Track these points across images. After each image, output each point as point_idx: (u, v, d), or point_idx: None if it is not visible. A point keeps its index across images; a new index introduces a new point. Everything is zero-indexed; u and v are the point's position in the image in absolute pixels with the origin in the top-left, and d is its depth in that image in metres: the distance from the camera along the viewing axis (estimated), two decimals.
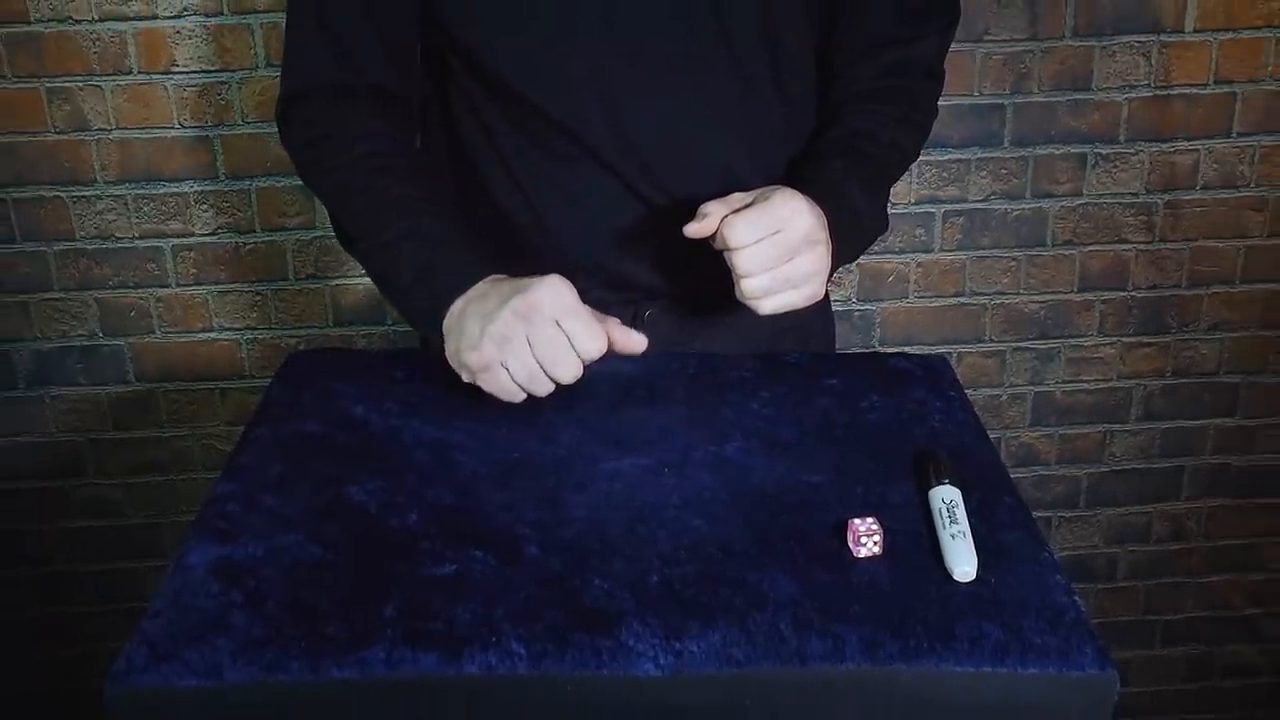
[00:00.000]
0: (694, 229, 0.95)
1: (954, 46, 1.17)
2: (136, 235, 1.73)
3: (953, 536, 0.80)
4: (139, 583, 1.93)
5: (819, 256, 0.95)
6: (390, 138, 1.04)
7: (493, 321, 0.89)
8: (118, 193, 1.70)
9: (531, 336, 0.88)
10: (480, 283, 0.93)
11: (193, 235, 1.74)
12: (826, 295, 1.05)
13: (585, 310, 0.90)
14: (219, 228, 1.74)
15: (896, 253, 1.81)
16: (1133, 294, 1.86)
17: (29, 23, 1.61)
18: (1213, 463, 1.97)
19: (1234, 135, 1.77)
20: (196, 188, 1.71)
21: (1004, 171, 1.77)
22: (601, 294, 1.05)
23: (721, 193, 0.96)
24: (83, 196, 1.70)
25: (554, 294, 0.89)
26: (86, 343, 1.79)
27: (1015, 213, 1.80)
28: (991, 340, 1.88)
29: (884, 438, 0.97)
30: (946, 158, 1.76)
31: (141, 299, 1.77)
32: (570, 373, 0.90)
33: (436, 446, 0.95)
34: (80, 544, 1.91)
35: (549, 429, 0.97)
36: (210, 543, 0.83)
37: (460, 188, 1.14)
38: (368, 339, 1.82)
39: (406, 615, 0.75)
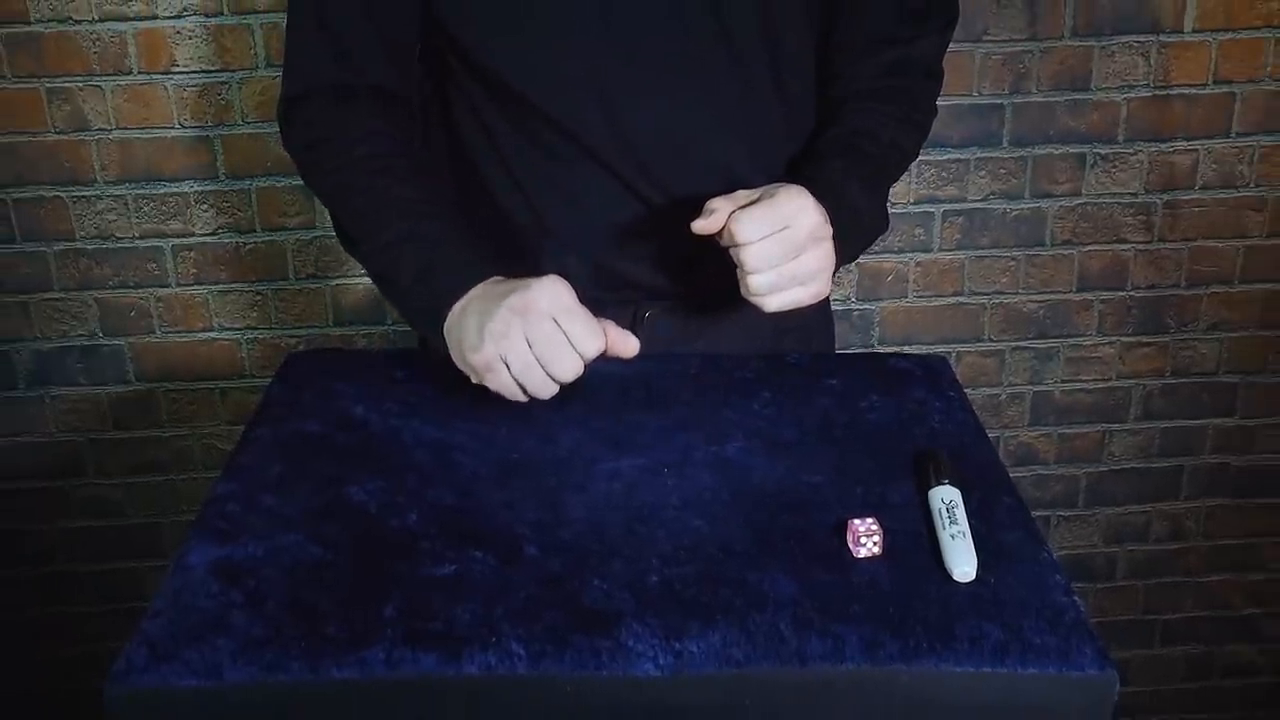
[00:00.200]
0: (701, 225, 0.95)
1: (953, 46, 1.18)
2: (136, 235, 1.73)
3: (952, 537, 0.81)
4: (139, 583, 1.93)
5: (825, 253, 0.95)
6: (391, 138, 1.04)
7: (490, 319, 0.89)
8: (118, 193, 1.70)
9: (529, 333, 0.88)
10: (480, 285, 0.93)
11: (193, 235, 1.74)
12: (826, 295, 1.05)
13: (583, 309, 0.90)
14: (219, 228, 1.74)
15: (895, 252, 1.81)
16: (1132, 294, 1.86)
17: (29, 23, 1.61)
18: (1212, 462, 1.98)
19: (1233, 135, 1.77)
20: (196, 188, 1.71)
21: (1003, 171, 1.77)
22: (601, 294, 1.05)
23: (721, 192, 0.96)
24: (83, 196, 1.70)
25: (551, 293, 0.89)
26: (86, 343, 1.79)
27: (1014, 212, 1.80)
28: (990, 340, 1.88)
29: (884, 438, 0.97)
30: (945, 157, 1.76)
31: (141, 299, 1.77)
32: (569, 370, 0.90)
33: (436, 446, 0.95)
34: (80, 544, 1.91)
35: (549, 429, 0.97)
36: (210, 543, 0.83)
37: (460, 188, 1.14)
38: (368, 339, 1.82)
39: (406, 615, 0.75)
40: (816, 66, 1.13)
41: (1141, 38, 1.71)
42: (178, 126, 1.68)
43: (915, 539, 0.83)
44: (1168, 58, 1.72)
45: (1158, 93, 1.74)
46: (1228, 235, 1.83)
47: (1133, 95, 1.74)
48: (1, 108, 1.65)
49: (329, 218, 1.10)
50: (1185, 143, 1.77)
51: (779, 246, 0.92)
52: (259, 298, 1.78)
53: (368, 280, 1.01)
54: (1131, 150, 1.77)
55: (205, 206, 1.72)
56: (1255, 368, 1.91)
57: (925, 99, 1.16)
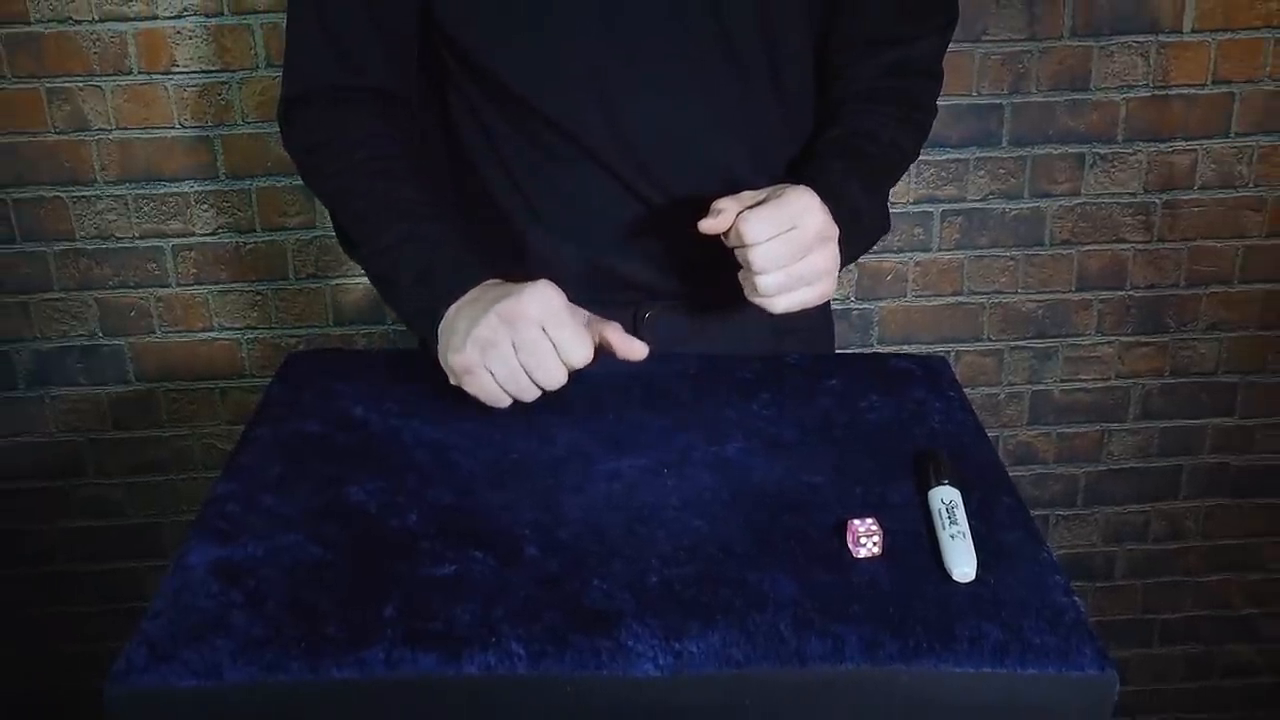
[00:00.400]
0: (708, 225, 0.94)
1: (952, 46, 1.17)
2: (136, 235, 1.73)
3: (952, 537, 0.81)
4: (139, 583, 1.93)
5: (831, 254, 0.95)
6: (391, 139, 1.04)
7: (477, 325, 0.89)
8: (118, 193, 1.70)
9: (516, 341, 0.88)
10: (475, 288, 0.93)
11: (193, 235, 1.74)
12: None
13: (572, 317, 0.90)
14: (219, 228, 1.74)
15: (895, 252, 1.82)
16: (1131, 293, 1.86)
17: (29, 23, 1.61)
18: (1211, 462, 1.98)
19: (1232, 135, 1.77)
20: (197, 188, 1.71)
21: (1002, 171, 1.78)
22: (600, 294, 1.05)
23: (721, 193, 0.96)
24: (83, 196, 1.70)
25: (542, 300, 0.89)
26: (86, 343, 1.79)
27: (1013, 212, 1.80)
28: (990, 339, 1.88)
29: (884, 438, 0.97)
30: (945, 157, 1.76)
31: (141, 299, 1.77)
32: (554, 379, 0.90)
33: (436, 447, 0.95)
34: (80, 544, 1.91)
35: (549, 430, 0.97)
36: (210, 543, 0.83)
37: (459, 188, 1.14)
38: (368, 339, 1.82)
39: (406, 615, 0.75)
40: (816, 67, 1.13)
41: (1141, 38, 1.71)
42: (178, 126, 1.68)
43: (915, 539, 0.83)
44: (1167, 58, 1.72)
45: (1157, 93, 1.74)
46: (1227, 235, 1.83)
47: (1132, 95, 1.74)
48: (1, 108, 1.65)
49: (329, 218, 1.10)
50: (1184, 143, 1.77)
51: (786, 247, 0.92)
52: (259, 298, 1.78)
53: (367, 280, 1.01)
54: (1131, 150, 1.77)
55: (205, 206, 1.72)
56: (1254, 368, 1.92)
57: (925, 99, 1.16)
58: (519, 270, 0.94)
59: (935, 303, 1.85)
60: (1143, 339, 1.89)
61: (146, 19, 1.62)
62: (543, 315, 0.88)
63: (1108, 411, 1.93)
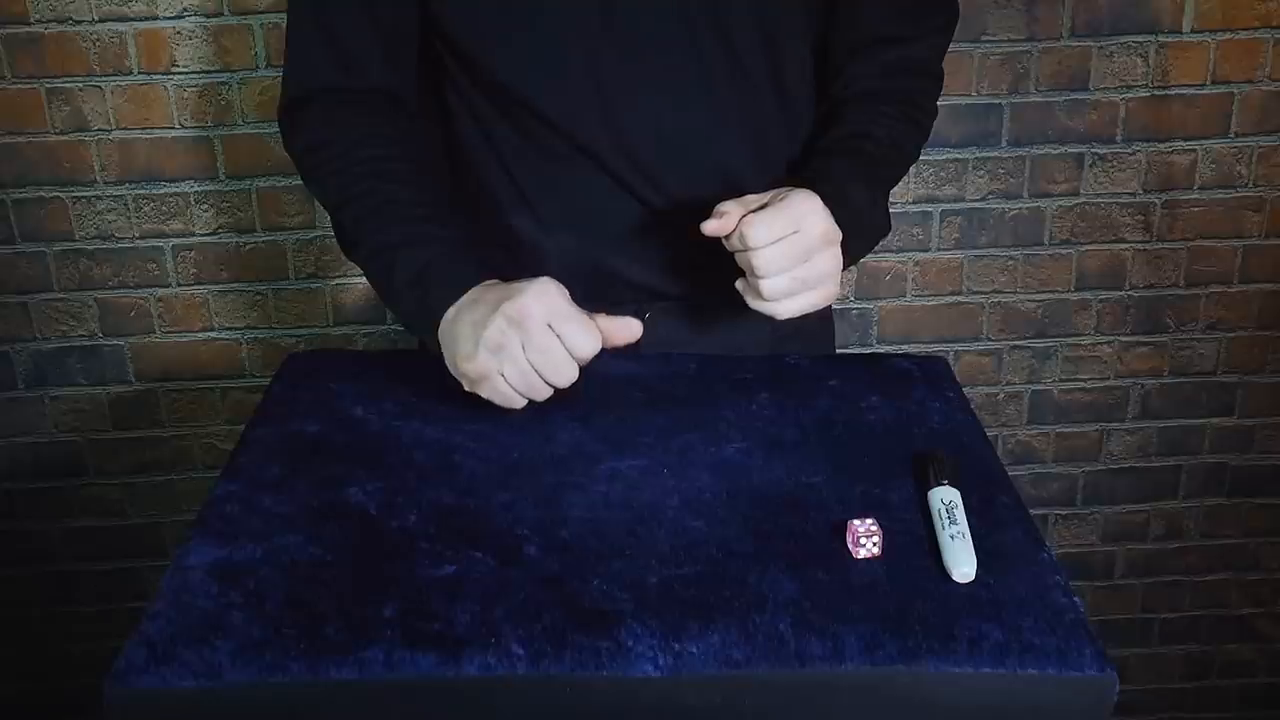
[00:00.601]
0: (711, 227, 0.94)
1: (952, 46, 1.17)
2: (136, 235, 1.73)
3: (952, 537, 0.81)
4: (139, 583, 1.93)
5: (834, 257, 0.95)
6: (391, 141, 1.04)
7: (485, 329, 0.89)
8: (118, 193, 1.70)
9: (526, 343, 0.88)
10: (473, 289, 0.93)
11: (193, 235, 1.74)
12: None
13: (576, 311, 0.90)
14: (219, 228, 1.74)
15: (894, 252, 1.81)
16: (1130, 293, 1.86)
17: (29, 23, 1.61)
18: (1210, 462, 1.98)
19: (1231, 135, 1.77)
20: (197, 188, 1.71)
21: (1001, 171, 1.78)
22: (600, 294, 1.05)
23: (720, 193, 0.96)
24: (83, 196, 1.70)
25: (545, 297, 0.89)
26: (86, 343, 1.79)
27: (1013, 212, 1.80)
28: (989, 339, 1.88)
29: (883, 438, 0.97)
30: (944, 157, 1.76)
31: (141, 299, 1.77)
32: (566, 377, 0.90)
33: (436, 447, 0.95)
34: (80, 544, 1.91)
35: (548, 429, 0.97)
36: (210, 543, 0.83)
37: (459, 188, 1.14)
38: (368, 339, 1.82)
39: (405, 616, 0.75)
40: (816, 67, 1.13)
41: (1140, 38, 1.71)
42: (178, 127, 1.68)
43: (915, 539, 0.83)
44: (1166, 58, 1.72)
45: (1156, 93, 1.74)
46: (1226, 235, 1.83)
47: (1131, 95, 1.74)
48: (1, 108, 1.65)
49: (328, 218, 1.10)
50: (1184, 143, 1.77)
51: (790, 250, 0.92)
52: (259, 298, 1.78)
53: (367, 281, 1.01)
54: (1130, 150, 1.77)
55: (205, 206, 1.72)
56: (1254, 367, 1.92)
57: (926, 99, 1.16)
58: (517, 270, 0.94)
59: (934, 302, 1.85)
60: (1142, 339, 1.89)
61: (146, 19, 1.62)
62: (548, 313, 0.88)
63: (1107, 411, 1.93)
